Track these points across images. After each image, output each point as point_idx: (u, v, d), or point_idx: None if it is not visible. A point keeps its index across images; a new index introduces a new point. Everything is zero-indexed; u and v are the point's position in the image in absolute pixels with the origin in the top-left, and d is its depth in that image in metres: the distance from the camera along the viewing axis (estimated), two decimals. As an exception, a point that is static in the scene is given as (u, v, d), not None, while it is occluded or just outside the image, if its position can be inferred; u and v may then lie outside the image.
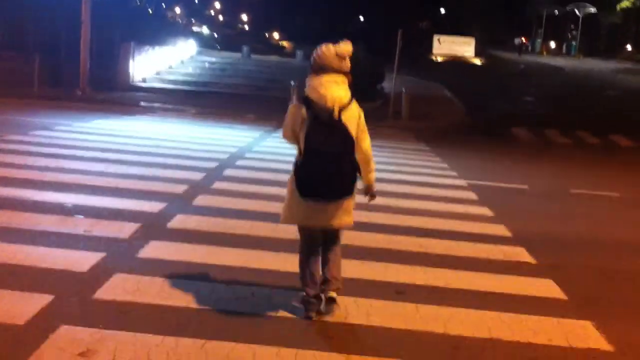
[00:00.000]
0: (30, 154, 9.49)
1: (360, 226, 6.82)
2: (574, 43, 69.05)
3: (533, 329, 4.52)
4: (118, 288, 4.57)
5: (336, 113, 4.14)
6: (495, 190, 9.93)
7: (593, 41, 64.75)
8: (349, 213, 4.40)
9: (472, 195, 9.26)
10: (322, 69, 4.25)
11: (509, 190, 10.08)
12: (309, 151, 4.16)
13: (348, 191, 4.28)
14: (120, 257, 5.24)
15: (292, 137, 4.34)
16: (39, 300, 4.21)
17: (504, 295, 5.14)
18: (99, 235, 5.75)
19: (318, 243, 4.47)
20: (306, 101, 4.21)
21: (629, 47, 61.49)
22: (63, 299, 4.30)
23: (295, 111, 4.28)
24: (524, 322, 4.62)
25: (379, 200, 8.05)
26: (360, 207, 7.59)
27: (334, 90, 4.18)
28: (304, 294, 4.40)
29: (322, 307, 4.40)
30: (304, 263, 4.45)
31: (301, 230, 4.49)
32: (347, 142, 4.19)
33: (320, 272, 4.45)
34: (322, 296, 4.39)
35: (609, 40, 63.72)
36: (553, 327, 4.59)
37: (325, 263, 4.47)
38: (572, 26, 70.22)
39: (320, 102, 4.14)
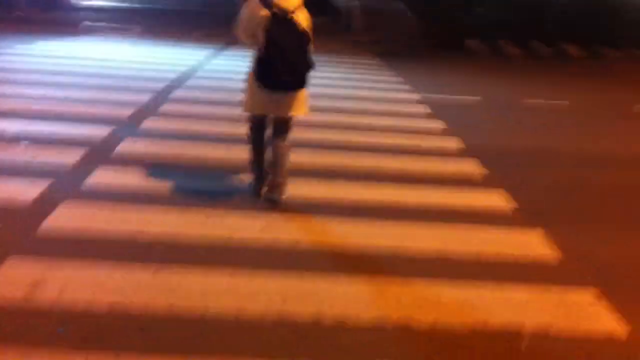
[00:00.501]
0: (-33, 79, 9.06)
1: (314, 143, 6.79)
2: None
3: (484, 239, 4.59)
4: (65, 217, 4.46)
5: (292, 13, 4.63)
6: (449, 103, 9.93)
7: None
8: (303, 104, 4.94)
9: (426, 109, 9.24)
10: None
11: (462, 103, 10.08)
12: (271, 45, 4.57)
13: (304, 83, 4.78)
14: (66, 184, 5.09)
15: (247, 35, 4.75)
16: (-19, 233, 4.09)
17: (456, 208, 5.19)
18: (44, 162, 5.56)
19: (265, 134, 5.08)
20: (266, 2, 4.61)
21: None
22: (7, 231, 4.17)
23: (254, 10, 4.66)
24: (474, 233, 4.69)
25: (333, 117, 8.01)
26: (314, 124, 7.58)
27: None
28: (253, 179, 5.15)
29: (270, 196, 5.07)
30: (253, 154, 5.11)
31: (254, 120, 5.04)
32: (303, 38, 4.66)
33: (265, 165, 5.11)
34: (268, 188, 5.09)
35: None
36: (503, 237, 4.68)
37: (275, 163, 5.04)
38: None
39: (280, 4, 4.60)
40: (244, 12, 4.74)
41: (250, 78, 4.83)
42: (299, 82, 4.75)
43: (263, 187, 5.13)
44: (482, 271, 4.12)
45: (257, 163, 5.13)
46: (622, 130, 9.03)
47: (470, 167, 6.43)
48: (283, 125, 5.02)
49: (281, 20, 4.59)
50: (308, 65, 4.70)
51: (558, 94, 11.22)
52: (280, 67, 4.60)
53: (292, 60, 4.61)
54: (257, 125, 5.06)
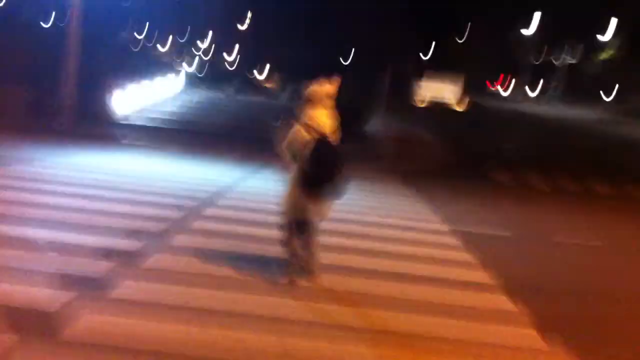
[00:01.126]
0: (6, 188, 9.30)
1: (341, 269, 6.74)
2: (553, 92, 70.19)
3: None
4: (86, 330, 4.41)
5: (329, 137, 5.82)
6: (479, 236, 9.86)
7: (573, 91, 65.81)
8: (329, 209, 6.05)
9: (455, 242, 9.18)
10: (315, 103, 5.92)
11: (492, 237, 10.01)
12: (315, 161, 5.70)
13: (337, 194, 5.86)
14: (91, 296, 5.07)
15: (290, 151, 5.90)
16: (2, 340, 4.03)
17: (485, 345, 5.03)
18: (72, 274, 5.58)
19: (299, 232, 6.01)
20: (307, 126, 5.81)
21: (608, 98, 62.53)
22: (27, 339, 4.12)
23: (298, 132, 5.84)
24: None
25: (362, 243, 8.00)
26: (342, 250, 7.56)
27: (326, 120, 5.93)
28: (290, 266, 6.08)
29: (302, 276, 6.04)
30: (291, 247, 6.06)
31: (293, 222, 5.99)
32: (339, 156, 5.82)
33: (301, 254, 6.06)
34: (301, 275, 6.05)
35: (589, 90, 64.79)
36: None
37: (307, 254, 6.05)
38: (552, 75, 71.45)
39: (319, 129, 5.81)
40: (290, 136, 5.86)
41: (293, 188, 5.86)
42: (335, 193, 5.83)
43: (299, 275, 6.05)
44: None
45: (295, 255, 6.06)
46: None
47: (500, 302, 6.28)
48: (311, 227, 6.00)
49: (321, 142, 5.72)
50: (342, 179, 5.78)
51: (590, 233, 11.08)
52: (323, 180, 5.72)
53: (332, 174, 5.72)
54: (295, 226, 5.99)
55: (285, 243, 6.12)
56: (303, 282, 5.98)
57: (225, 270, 6.24)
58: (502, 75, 74.72)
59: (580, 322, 6.02)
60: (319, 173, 5.69)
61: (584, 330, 5.78)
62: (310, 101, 5.94)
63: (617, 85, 61.02)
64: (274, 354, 4.37)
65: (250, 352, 4.37)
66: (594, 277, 8.02)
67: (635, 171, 23.46)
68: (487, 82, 73.19)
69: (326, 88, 6.00)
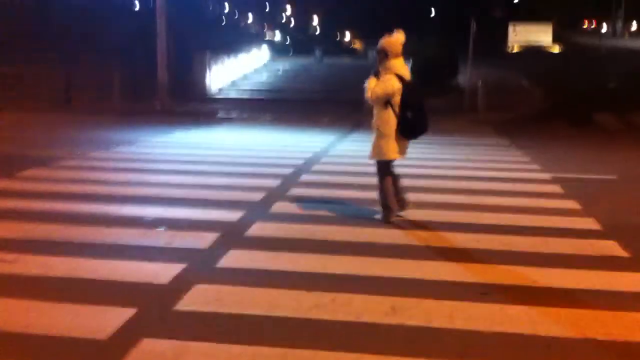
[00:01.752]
0: (113, 169, 9.76)
1: (442, 225, 6.69)
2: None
3: (630, 326, 4.25)
4: (199, 299, 4.59)
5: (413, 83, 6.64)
6: (582, 182, 9.52)
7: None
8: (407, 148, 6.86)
9: (557, 189, 8.90)
10: (397, 54, 6.54)
11: (596, 181, 9.64)
12: (409, 105, 6.48)
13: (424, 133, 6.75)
14: (200, 267, 5.28)
15: (383, 99, 6.51)
16: (121, 314, 4.27)
17: (597, 292, 4.87)
18: (179, 247, 5.82)
19: (393, 173, 6.83)
20: (398, 76, 6.49)
21: None
22: (144, 312, 4.35)
23: (389, 81, 6.48)
24: (620, 319, 4.36)
25: (461, 199, 7.89)
26: (442, 206, 7.49)
27: (407, 69, 6.71)
28: (389, 210, 6.76)
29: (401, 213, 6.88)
30: (389, 189, 6.74)
31: (388, 164, 6.75)
32: (423, 97, 6.64)
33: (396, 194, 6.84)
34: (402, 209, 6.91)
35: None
36: (653, 323, 4.31)
37: (401, 190, 6.92)
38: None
39: (406, 77, 6.56)
40: (381, 85, 6.48)
41: (387, 133, 6.55)
42: (425, 131, 6.68)
43: (395, 211, 6.80)
44: (634, 355, 3.81)
45: (395, 194, 6.76)
46: None
47: (609, 248, 6.05)
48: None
49: (410, 87, 6.50)
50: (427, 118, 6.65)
51: None
52: (418, 121, 6.55)
53: (422, 115, 6.56)
54: (390, 167, 6.77)
55: (383, 188, 6.75)
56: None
57: (326, 234, 6.32)
58: (594, 17, 71.01)
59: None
60: (412, 115, 6.48)
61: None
62: (394, 54, 6.53)
63: None
64: (383, 314, 4.41)
65: (359, 311, 4.42)
66: None
67: None
68: (585, 20, 69.76)
69: (398, 38, 6.56)
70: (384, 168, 6.75)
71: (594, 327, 4.23)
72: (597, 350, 3.93)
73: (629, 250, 5.94)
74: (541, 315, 4.40)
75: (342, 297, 4.67)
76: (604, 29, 67.34)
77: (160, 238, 6.10)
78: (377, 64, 6.63)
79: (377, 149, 6.68)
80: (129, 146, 12.33)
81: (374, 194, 7.17)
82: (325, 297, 4.66)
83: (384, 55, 6.53)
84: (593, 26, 70.18)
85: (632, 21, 68.57)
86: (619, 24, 68.58)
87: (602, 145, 14.12)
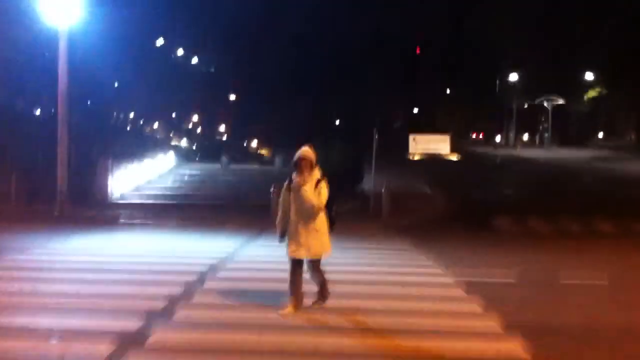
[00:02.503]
0: (2, 279, 9.20)
1: (350, 331, 6.61)
2: (546, 134, 70.67)
3: None
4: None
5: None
6: (483, 285, 9.74)
7: (564, 131, 66.38)
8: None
9: (459, 292, 9.06)
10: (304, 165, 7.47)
11: (496, 285, 9.89)
12: (332, 205, 7.67)
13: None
14: (94, 382, 4.94)
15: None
16: None
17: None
18: (75, 356, 5.45)
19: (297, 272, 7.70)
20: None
21: (600, 135, 63.06)
22: None
23: (327, 187, 7.54)
24: None
25: (367, 303, 7.88)
26: (350, 310, 7.44)
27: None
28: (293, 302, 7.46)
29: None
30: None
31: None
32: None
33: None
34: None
35: (580, 129, 65.37)
36: None
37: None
38: (543, 118, 72.15)
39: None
40: (324, 192, 7.46)
41: (325, 231, 7.55)
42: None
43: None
44: None
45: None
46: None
47: (511, 350, 6.13)
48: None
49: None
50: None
51: (595, 273, 10.92)
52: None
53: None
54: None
55: (323, 278, 7.69)
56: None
57: (230, 342, 6.11)
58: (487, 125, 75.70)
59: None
60: (334, 213, 7.67)
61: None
62: (313, 162, 7.49)
63: (606, 122, 61.63)
64: None
65: None
66: (602, 318, 7.86)
67: (636, 206, 23.43)
68: (475, 133, 74.39)
69: (307, 151, 7.51)
70: (319, 262, 7.65)
71: None
72: None
73: (529, 351, 6.04)
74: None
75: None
76: (498, 139, 71.59)
77: (52, 351, 5.71)
78: (298, 172, 7.43)
79: (321, 247, 7.51)
80: (22, 254, 11.72)
81: (283, 301, 7.01)
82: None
83: (310, 164, 7.43)
84: (480, 137, 74.70)
85: (524, 133, 73.31)
86: (512, 135, 73.11)
87: (500, 249, 14.61)
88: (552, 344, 6.43)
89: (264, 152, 63.84)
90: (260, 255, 12.30)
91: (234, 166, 34.70)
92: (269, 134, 67.40)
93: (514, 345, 6.26)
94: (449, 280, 10.02)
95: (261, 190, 24.10)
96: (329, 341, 6.28)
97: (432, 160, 49.11)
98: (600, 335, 6.94)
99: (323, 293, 7.69)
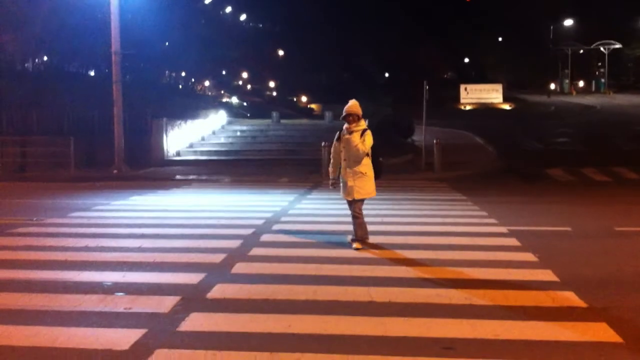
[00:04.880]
0: (70, 235, 9.61)
1: (403, 281, 6.73)
2: (602, 80, 68.58)
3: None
4: (161, 364, 4.51)
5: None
6: (538, 234, 9.72)
7: (621, 77, 64.30)
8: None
9: (514, 242, 9.06)
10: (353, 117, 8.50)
11: (551, 234, 9.84)
12: (378, 153, 8.65)
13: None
14: (161, 332, 5.20)
15: (369, 149, 8.45)
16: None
17: (557, 343, 4.94)
18: (140, 312, 5.73)
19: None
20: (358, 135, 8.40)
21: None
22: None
23: (371, 135, 8.39)
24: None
25: (420, 254, 7.97)
26: (404, 262, 7.56)
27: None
28: (360, 240, 8.46)
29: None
30: (362, 220, 8.53)
31: (364, 201, 8.61)
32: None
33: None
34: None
35: (637, 74, 63.24)
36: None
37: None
38: (599, 64, 69.96)
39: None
40: (368, 139, 8.32)
41: (371, 175, 8.46)
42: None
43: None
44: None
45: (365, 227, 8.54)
46: None
47: (567, 299, 6.16)
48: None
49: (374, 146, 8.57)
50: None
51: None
52: (382, 164, 8.73)
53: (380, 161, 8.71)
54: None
55: (361, 221, 8.48)
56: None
57: (289, 293, 6.30)
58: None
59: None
60: (380, 160, 8.62)
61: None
62: (360, 115, 8.40)
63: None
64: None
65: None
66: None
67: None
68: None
69: (354, 105, 8.41)
70: (362, 204, 8.55)
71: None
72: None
73: (585, 300, 6.06)
74: (504, 368, 4.44)
75: (307, 358, 4.64)
76: (552, 86, 69.84)
77: (119, 303, 6.00)
78: (348, 124, 8.38)
79: (363, 189, 8.39)
80: (85, 211, 12.17)
81: (336, 252, 7.16)
82: (288, 358, 4.63)
83: (357, 117, 8.36)
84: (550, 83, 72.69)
85: (579, 79, 71.28)
86: (566, 82, 71.20)
87: (555, 198, 14.46)
88: (606, 293, 6.40)
89: (314, 107, 63.78)
90: (313, 209, 12.48)
91: (284, 121, 34.84)
92: (318, 90, 67.25)
93: (569, 294, 6.28)
94: (503, 229, 10.01)
95: (312, 144, 24.24)
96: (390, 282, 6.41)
97: (485, 110, 48.31)
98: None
99: (358, 233, 8.44)
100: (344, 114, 8.42)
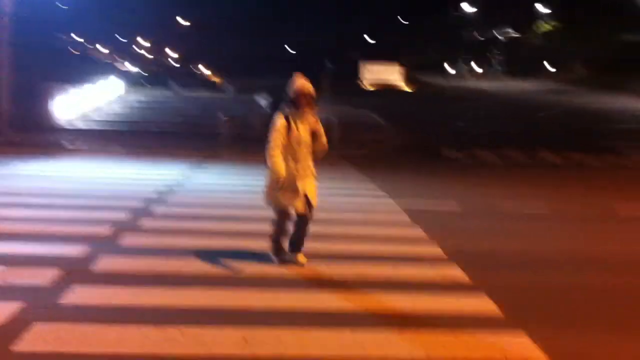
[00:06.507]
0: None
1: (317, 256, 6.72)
2: (498, 67, 71.24)
3: (469, 346, 4.47)
4: (37, 339, 4.30)
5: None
6: (429, 211, 9.97)
7: (515, 64, 67.03)
8: None
9: (405, 218, 9.26)
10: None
11: (442, 211, 10.13)
12: None
13: None
14: (40, 306, 4.94)
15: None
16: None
17: (441, 316, 5.09)
18: (17, 284, 5.43)
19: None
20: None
21: (550, 68, 63.94)
22: (-25, 354, 4.00)
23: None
24: (460, 340, 4.57)
25: (314, 229, 7.98)
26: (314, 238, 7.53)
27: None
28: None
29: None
30: None
31: None
32: None
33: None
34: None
35: (531, 62, 66.07)
36: (489, 343, 4.56)
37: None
38: (495, 50, 72.52)
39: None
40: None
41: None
42: None
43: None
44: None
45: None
46: (606, 235, 9.03)
47: (453, 272, 6.37)
48: None
49: None
50: None
51: (537, 203, 11.29)
52: None
53: None
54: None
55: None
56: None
57: (175, 267, 6.16)
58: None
59: (531, 290, 6.13)
60: None
61: (533, 298, 5.89)
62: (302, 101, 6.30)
63: (557, 56, 62.33)
64: (234, 345, 4.34)
65: (210, 344, 4.32)
66: (539, 246, 8.15)
67: (580, 138, 24.06)
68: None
69: (308, 85, 6.37)
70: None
71: (438, 349, 4.41)
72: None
73: (470, 275, 6.27)
74: (390, 340, 4.52)
75: (192, 331, 4.55)
76: (450, 70, 71.89)
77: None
78: (302, 110, 6.29)
79: (315, 193, 6.47)
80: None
81: (229, 226, 7.07)
82: (174, 332, 4.52)
83: (313, 100, 6.36)
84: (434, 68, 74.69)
85: (476, 64, 73.54)
86: (464, 66, 73.47)
87: (448, 179, 14.90)
88: (491, 270, 6.66)
89: (216, 80, 62.73)
90: (207, 182, 12.31)
91: (185, 93, 34.13)
92: (221, 62, 66.18)
93: (455, 269, 6.48)
94: (396, 207, 10.22)
95: (212, 118, 23.86)
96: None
97: (387, 92, 49.15)
98: (534, 261, 7.22)
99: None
100: (294, 94, 6.30)
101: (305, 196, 6.30)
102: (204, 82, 57.55)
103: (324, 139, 6.52)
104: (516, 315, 5.18)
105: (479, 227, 9.07)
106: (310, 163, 6.44)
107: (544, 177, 15.84)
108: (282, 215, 6.39)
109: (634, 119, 32.52)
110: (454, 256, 7.02)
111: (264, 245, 6.74)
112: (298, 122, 6.28)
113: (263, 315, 4.94)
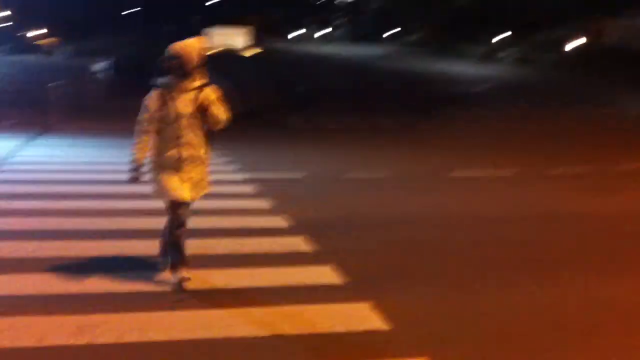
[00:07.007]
0: None
1: (116, 233, 6.46)
2: (341, 30, 72.51)
3: (313, 319, 4.51)
4: None
5: None
6: (274, 181, 9.99)
7: (358, 28, 68.46)
8: None
9: (248, 189, 9.21)
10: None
11: (286, 180, 10.19)
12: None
13: None
14: None
15: None
16: None
17: (284, 288, 5.11)
18: None
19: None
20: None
21: (395, 30, 65.86)
22: None
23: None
24: (304, 313, 4.61)
25: (152, 205, 7.72)
26: (120, 213, 7.25)
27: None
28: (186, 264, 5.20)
29: None
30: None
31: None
32: None
33: None
34: None
35: (373, 26, 67.63)
36: (333, 313, 4.63)
37: None
38: (340, 13, 73.60)
39: None
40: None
41: (206, 158, 5.39)
42: None
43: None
44: (318, 346, 4.07)
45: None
46: (441, 194, 9.54)
47: (299, 243, 6.41)
48: None
49: None
50: None
51: (377, 167, 11.67)
52: None
53: None
54: None
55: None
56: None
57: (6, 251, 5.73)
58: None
59: (375, 255, 6.33)
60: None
61: (377, 263, 6.08)
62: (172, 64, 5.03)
63: (399, 19, 64.26)
64: (68, 334, 4.09)
65: (41, 334, 4.05)
66: (379, 209, 8.45)
67: (417, 103, 25.14)
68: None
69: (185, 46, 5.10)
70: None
71: (281, 323, 4.42)
72: (286, 346, 4.10)
73: (312, 245, 6.35)
74: (235, 317, 4.48)
75: (21, 321, 4.23)
76: (298, 33, 72.15)
77: None
78: (174, 77, 5.06)
79: (204, 182, 5.28)
80: None
81: (62, 204, 6.66)
82: (2, 323, 4.19)
83: (191, 64, 5.10)
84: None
85: (322, 28, 74.18)
86: (310, 31, 74.06)
87: (292, 146, 15.00)
88: (331, 236, 6.79)
89: (43, 42, 58.24)
90: (39, 156, 11.54)
91: (9, 57, 31.62)
92: (59, 22, 61.65)
93: (299, 239, 6.53)
94: (237, 177, 10.13)
95: (41, 85, 22.25)
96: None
97: (232, 56, 48.41)
98: (374, 223, 7.48)
99: (180, 254, 5.21)
100: (167, 60, 5.07)
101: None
102: (31, 46, 53.31)
103: (217, 110, 5.26)
104: (359, 282, 5.31)
105: (324, 194, 9.23)
106: (198, 142, 5.22)
107: (382, 142, 16.36)
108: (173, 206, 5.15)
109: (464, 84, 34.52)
110: (297, 226, 7.07)
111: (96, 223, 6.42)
112: (175, 94, 5.05)
113: (97, 300, 4.70)
